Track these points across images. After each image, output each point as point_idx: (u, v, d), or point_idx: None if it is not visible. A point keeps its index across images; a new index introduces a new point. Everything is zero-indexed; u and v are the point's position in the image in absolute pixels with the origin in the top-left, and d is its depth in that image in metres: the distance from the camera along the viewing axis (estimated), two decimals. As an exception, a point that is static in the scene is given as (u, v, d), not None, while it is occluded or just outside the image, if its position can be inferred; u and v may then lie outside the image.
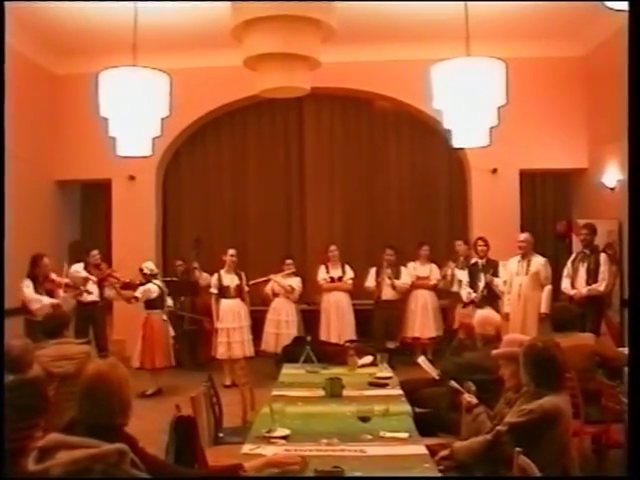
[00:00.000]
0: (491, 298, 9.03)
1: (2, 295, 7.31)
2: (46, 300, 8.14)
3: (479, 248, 9.47)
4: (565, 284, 8.51)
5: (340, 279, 10.14)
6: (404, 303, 10.42)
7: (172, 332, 9.31)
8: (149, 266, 9.12)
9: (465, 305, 9.26)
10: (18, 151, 8.99)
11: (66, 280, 8.58)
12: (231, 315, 9.36)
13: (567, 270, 8.55)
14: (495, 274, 9.12)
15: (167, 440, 3.75)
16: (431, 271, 10.41)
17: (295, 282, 9.89)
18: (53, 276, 8.50)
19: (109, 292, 9.29)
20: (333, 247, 10.28)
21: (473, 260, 9.60)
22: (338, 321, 10.03)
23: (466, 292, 9.39)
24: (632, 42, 3.26)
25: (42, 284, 8.23)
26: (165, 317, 9.17)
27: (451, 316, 10.18)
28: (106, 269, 9.51)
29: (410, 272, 10.32)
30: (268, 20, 6.16)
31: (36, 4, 8.54)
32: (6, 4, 6.02)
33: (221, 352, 9.33)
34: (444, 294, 10.44)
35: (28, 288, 8.07)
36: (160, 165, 11.49)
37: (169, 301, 10.19)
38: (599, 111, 10.32)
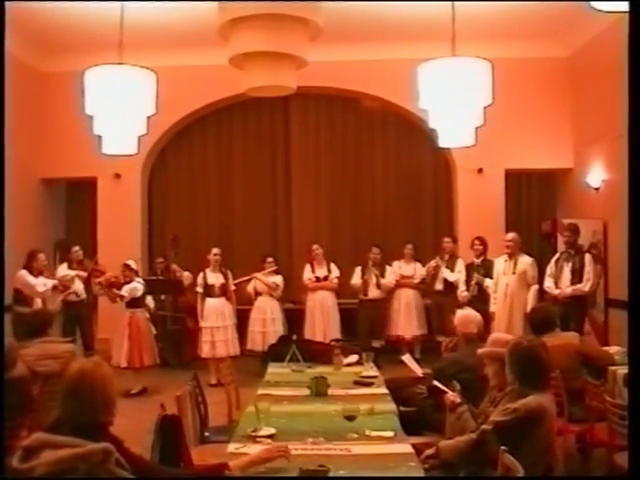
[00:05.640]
0: (483, 299, 9.07)
1: (2, 295, 7.28)
2: (49, 282, 8.50)
3: (474, 247, 9.52)
4: (548, 283, 8.54)
5: (326, 278, 10.16)
6: (388, 302, 10.45)
7: (154, 331, 9.29)
8: (133, 263, 9.11)
9: (460, 306, 9.21)
10: (1, 149, 8.93)
11: (55, 282, 8.60)
12: (215, 314, 9.37)
13: (550, 269, 8.59)
14: (488, 274, 9.14)
15: (152, 439, 3.73)
16: (415, 270, 10.42)
17: (278, 279, 9.91)
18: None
19: (96, 288, 9.26)
20: (316, 246, 10.29)
21: (470, 261, 9.66)
22: (323, 320, 10.04)
23: (459, 292, 9.46)
24: (632, 42, 3.28)
25: (36, 278, 8.36)
26: (148, 315, 9.17)
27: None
28: (89, 264, 9.49)
29: (395, 271, 10.36)
30: (254, 19, 6.16)
31: (23, 3, 8.48)
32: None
33: (205, 351, 9.36)
34: (428, 293, 10.45)
35: (28, 276, 8.32)
36: (146, 163, 11.46)
37: (150, 302, 10.19)
38: (584, 111, 10.39)
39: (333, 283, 10.17)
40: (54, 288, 8.60)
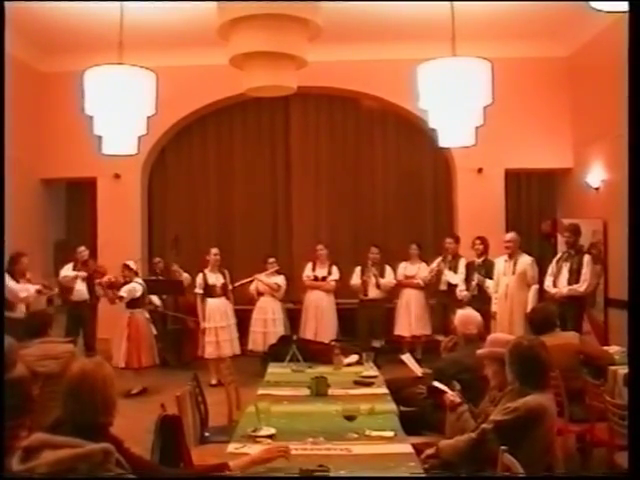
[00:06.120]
0: (483, 298, 9.06)
1: (2, 295, 7.25)
2: (31, 287, 8.24)
3: (475, 247, 9.50)
4: (548, 282, 8.54)
5: (324, 279, 10.15)
6: (389, 302, 10.45)
7: (154, 331, 9.28)
8: (132, 264, 9.11)
9: (461, 306, 9.16)
10: (1, 149, 8.94)
11: (37, 287, 8.42)
12: (218, 314, 9.34)
13: (551, 269, 8.58)
14: (489, 274, 9.13)
15: (152, 439, 3.73)
16: (419, 270, 10.38)
17: (280, 279, 9.90)
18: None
19: (98, 289, 9.24)
20: (320, 246, 10.30)
21: (470, 260, 9.64)
22: (316, 320, 10.04)
23: (459, 290, 9.46)
24: (632, 42, 3.28)
25: (17, 282, 8.18)
26: (147, 315, 9.16)
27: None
28: (92, 265, 9.50)
29: (400, 272, 10.36)
30: (254, 18, 6.15)
31: (23, 3, 8.48)
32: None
33: (210, 352, 9.28)
34: (433, 293, 10.40)
35: (10, 281, 8.03)
36: (146, 164, 11.47)
37: (157, 300, 10.18)
38: (584, 111, 10.39)
39: (329, 285, 10.15)
40: (38, 292, 8.39)
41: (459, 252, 10.04)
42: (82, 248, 9.57)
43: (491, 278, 9.05)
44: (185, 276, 10.33)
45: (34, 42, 10.39)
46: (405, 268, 10.42)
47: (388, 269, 10.26)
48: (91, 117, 6.56)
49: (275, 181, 12.22)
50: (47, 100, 11.06)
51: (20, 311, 7.98)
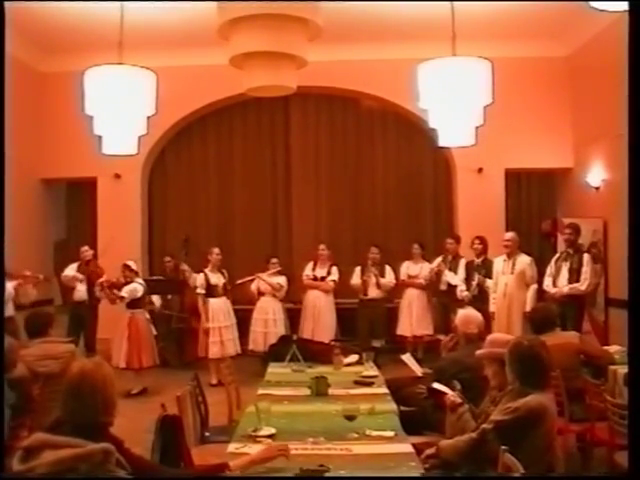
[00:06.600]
0: (482, 298, 9.06)
1: (2, 295, 7.22)
2: (9, 285, 8.01)
3: (474, 247, 9.49)
4: (547, 282, 8.54)
5: (323, 279, 10.14)
6: (389, 302, 10.44)
7: (154, 331, 9.27)
8: (133, 264, 9.10)
9: (461, 305, 9.16)
10: (2, 149, 8.93)
11: (14, 283, 8.17)
12: (222, 314, 9.34)
13: (550, 269, 8.59)
14: (488, 274, 9.12)
15: (153, 440, 3.73)
16: (421, 269, 10.35)
17: (282, 280, 9.89)
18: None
19: (97, 290, 9.21)
20: (322, 246, 10.28)
21: (470, 259, 9.63)
22: (313, 320, 10.02)
23: (459, 290, 9.46)
24: (632, 41, 3.28)
25: None
26: (148, 316, 9.15)
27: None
28: (92, 266, 9.48)
29: (403, 271, 10.36)
30: (254, 18, 6.14)
31: (23, 3, 8.47)
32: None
33: (214, 351, 9.23)
34: (434, 293, 10.39)
35: None
36: (146, 163, 11.46)
37: (156, 300, 10.16)
38: (584, 111, 10.39)
39: (328, 285, 10.12)
40: (20, 285, 8.22)
41: (459, 252, 10.03)
42: (85, 248, 9.56)
43: (491, 278, 9.05)
44: (194, 276, 10.29)
45: (34, 42, 10.39)
46: (408, 268, 10.41)
47: (388, 269, 10.25)
48: (91, 117, 6.57)
49: (275, 181, 12.21)
50: (47, 100, 11.05)
51: (9, 309, 7.92)
